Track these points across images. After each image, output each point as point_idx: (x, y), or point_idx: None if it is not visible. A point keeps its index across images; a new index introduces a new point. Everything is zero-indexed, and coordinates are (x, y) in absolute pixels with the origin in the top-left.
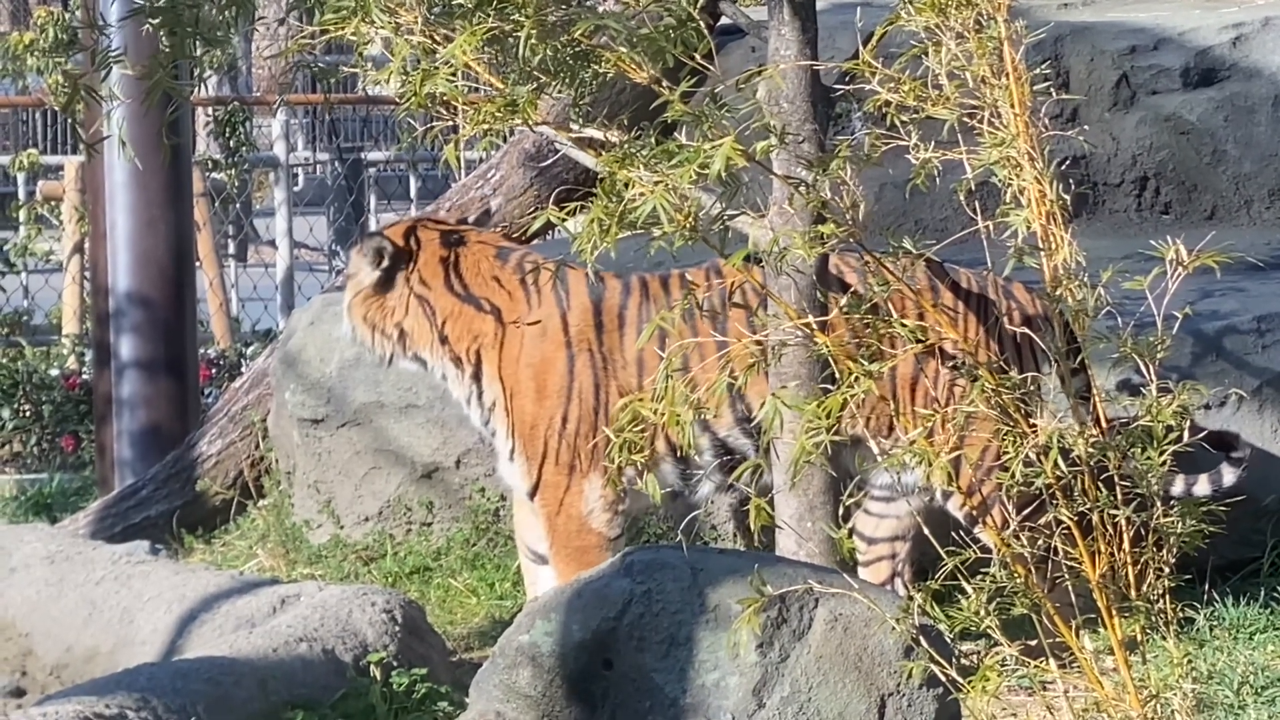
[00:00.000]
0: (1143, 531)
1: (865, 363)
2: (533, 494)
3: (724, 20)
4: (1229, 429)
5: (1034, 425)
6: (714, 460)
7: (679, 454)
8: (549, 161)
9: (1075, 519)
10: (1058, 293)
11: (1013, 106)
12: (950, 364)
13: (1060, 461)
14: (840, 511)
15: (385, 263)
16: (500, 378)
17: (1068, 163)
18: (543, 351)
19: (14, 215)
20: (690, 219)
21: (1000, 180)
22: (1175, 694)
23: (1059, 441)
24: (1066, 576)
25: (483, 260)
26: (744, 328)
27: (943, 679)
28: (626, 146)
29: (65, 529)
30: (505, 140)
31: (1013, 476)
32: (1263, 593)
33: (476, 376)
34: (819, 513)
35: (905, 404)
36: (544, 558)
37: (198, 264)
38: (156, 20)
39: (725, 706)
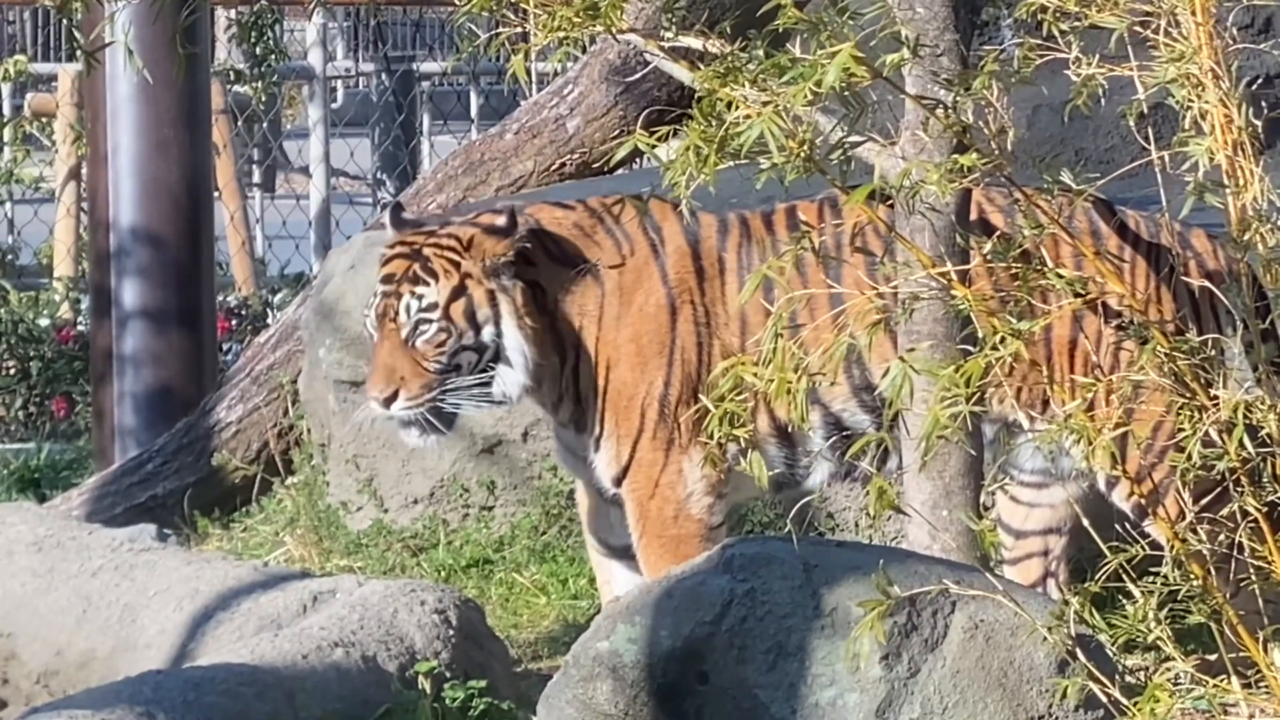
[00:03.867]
0: None
1: (1013, 320)
2: (621, 478)
3: None
4: None
5: (1215, 398)
6: (824, 441)
7: (785, 433)
8: (637, 76)
9: (1264, 510)
10: (1245, 238)
11: (1194, 14)
12: (1116, 324)
13: (1246, 441)
14: (982, 499)
15: None
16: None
17: (1260, 82)
18: (640, 307)
19: None
20: (805, 146)
21: (1178, 102)
22: None
23: (1245, 417)
24: (1253, 578)
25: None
26: (866, 277)
27: (1103, 699)
28: (730, 59)
29: (56, 509)
30: (585, 51)
31: (1189, 459)
32: None
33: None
34: (956, 499)
35: (1061, 371)
36: (616, 550)
37: (216, 195)
38: None
39: None
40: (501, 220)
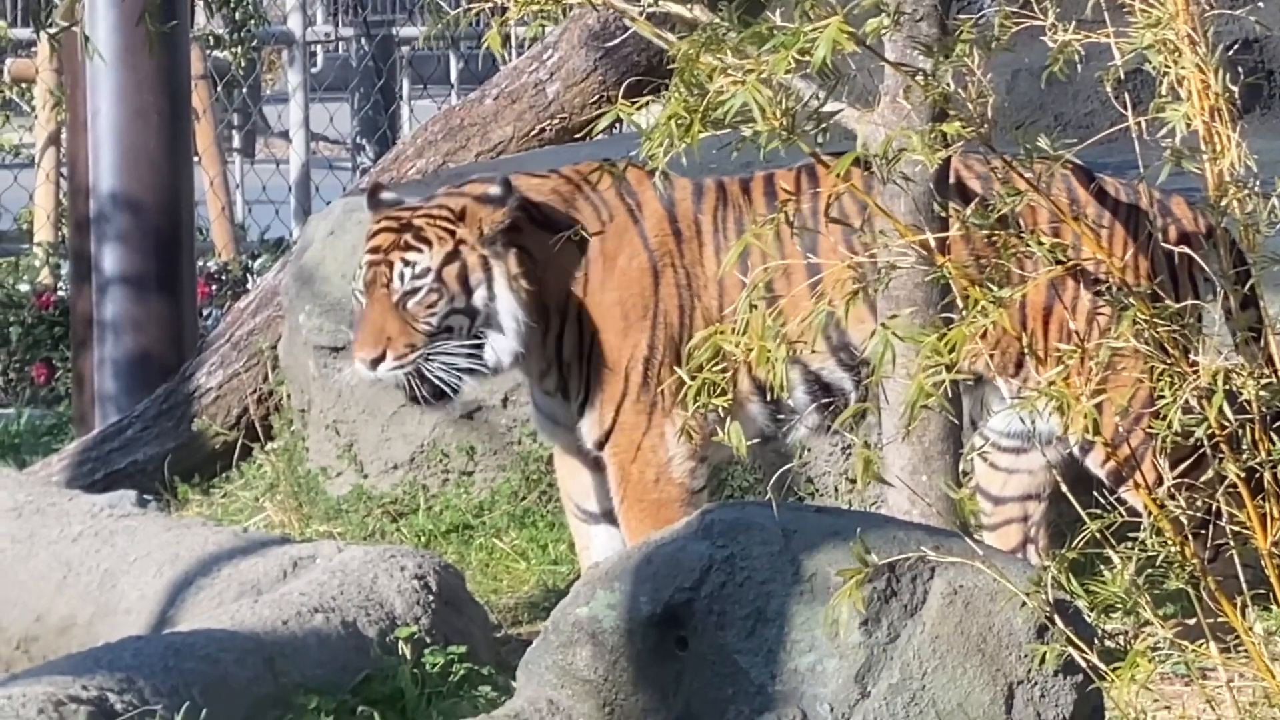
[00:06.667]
0: None
1: (993, 288)
2: (603, 442)
3: None
4: None
5: (1194, 364)
6: (807, 397)
7: (767, 393)
8: (616, 41)
9: (1243, 476)
10: (1223, 204)
11: None
12: (1094, 290)
13: (1226, 407)
14: (961, 465)
15: None
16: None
17: (1236, 47)
18: (623, 270)
19: None
20: (787, 116)
21: (1155, 68)
22: None
23: (1224, 383)
24: (1231, 544)
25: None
26: (844, 244)
27: (1083, 665)
28: (711, 28)
29: (36, 475)
30: (565, 15)
31: (1168, 425)
32: None
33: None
34: (935, 464)
35: (1038, 337)
36: (594, 516)
37: (196, 160)
38: None
39: (822, 695)
40: (495, 189)
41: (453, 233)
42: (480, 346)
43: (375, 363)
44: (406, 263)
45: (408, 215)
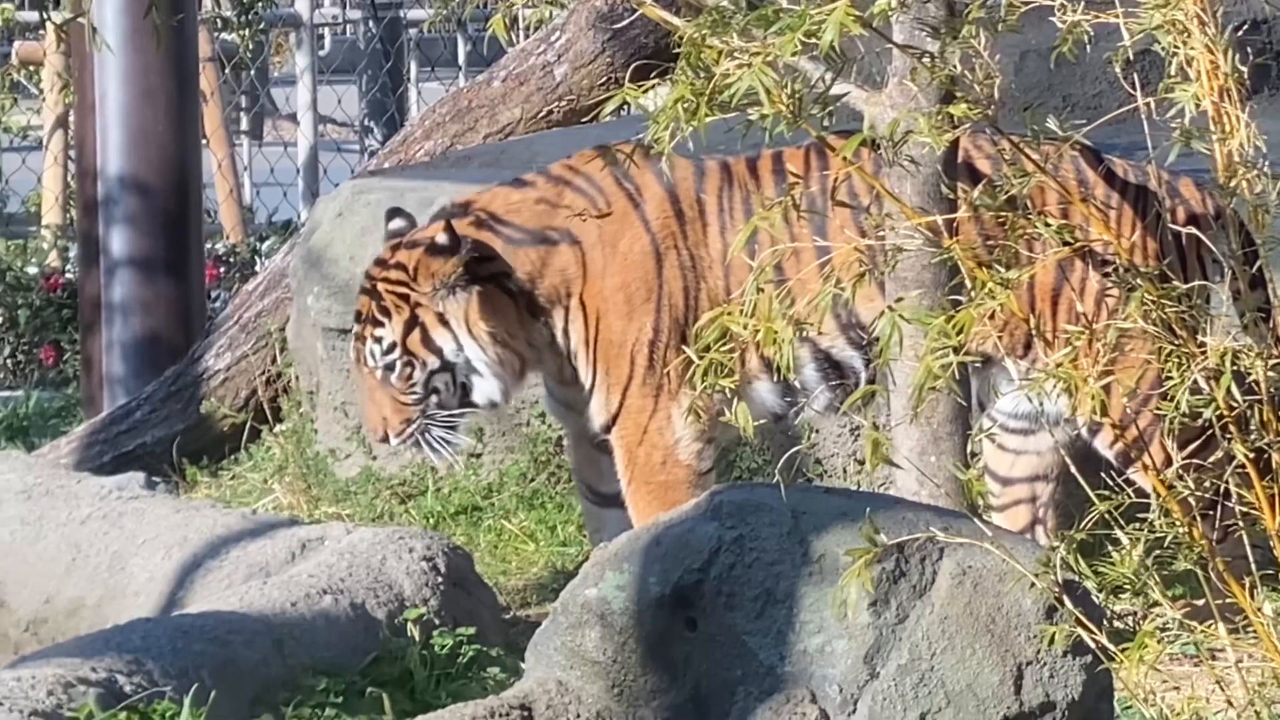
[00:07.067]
0: None
1: (1001, 270)
2: (610, 425)
3: None
4: None
5: (1202, 345)
6: (816, 375)
7: (775, 373)
8: (625, 23)
9: (1251, 456)
10: (1231, 185)
11: None
12: (1102, 271)
13: (1234, 388)
14: (969, 445)
15: None
16: (583, 304)
17: (1245, 27)
18: (625, 255)
19: None
20: (794, 99)
21: (1164, 48)
22: None
23: (1233, 364)
24: (1240, 525)
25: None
26: (853, 224)
27: (1091, 645)
28: (717, 10)
29: (44, 457)
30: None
31: (1176, 406)
32: None
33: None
34: (944, 445)
35: (1046, 319)
36: (607, 498)
37: (204, 142)
38: None
39: (831, 676)
40: (443, 237)
41: (407, 296)
42: (470, 386)
43: (384, 439)
44: (376, 339)
45: (376, 276)
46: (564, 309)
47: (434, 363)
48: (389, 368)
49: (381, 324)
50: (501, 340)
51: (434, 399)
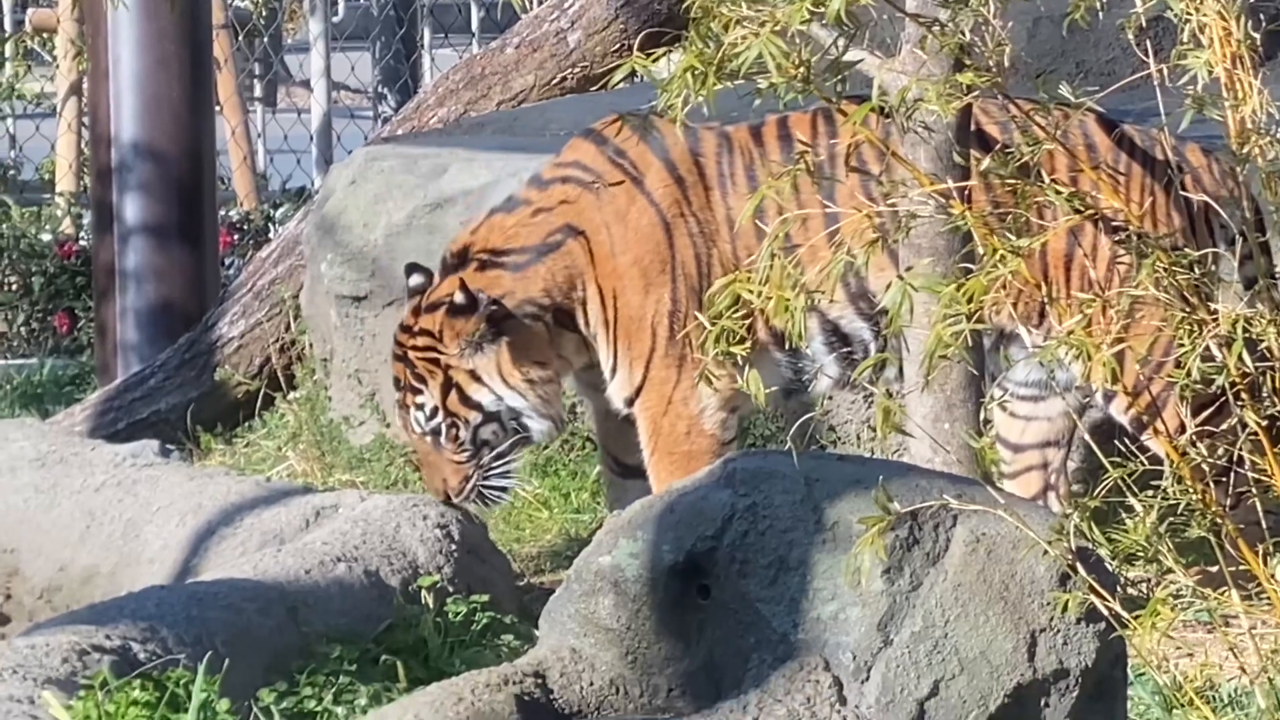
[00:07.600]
0: None
1: (1012, 237)
2: (634, 399)
3: None
4: None
5: (1214, 312)
6: (824, 347)
7: (785, 342)
8: None
9: (1264, 424)
10: (1244, 151)
11: None
12: (1114, 238)
13: (1246, 355)
14: (981, 412)
15: None
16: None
17: None
18: (635, 229)
19: None
20: (804, 67)
21: (1176, 15)
22: None
23: (1244, 331)
24: (1253, 491)
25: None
26: (862, 192)
27: (1105, 613)
28: None
29: (59, 425)
30: None
31: (1188, 373)
32: None
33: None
34: (958, 413)
35: (1057, 285)
36: (631, 469)
37: (217, 109)
38: None
39: (845, 643)
40: (460, 296)
41: (438, 360)
42: (522, 427)
43: (447, 499)
44: (418, 405)
45: (407, 344)
46: (581, 297)
47: (476, 418)
48: (435, 432)
49: (420, 390)
50: (538, 379)
51: (486, 451)
